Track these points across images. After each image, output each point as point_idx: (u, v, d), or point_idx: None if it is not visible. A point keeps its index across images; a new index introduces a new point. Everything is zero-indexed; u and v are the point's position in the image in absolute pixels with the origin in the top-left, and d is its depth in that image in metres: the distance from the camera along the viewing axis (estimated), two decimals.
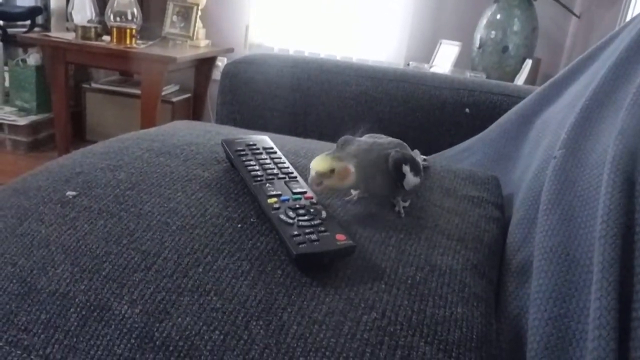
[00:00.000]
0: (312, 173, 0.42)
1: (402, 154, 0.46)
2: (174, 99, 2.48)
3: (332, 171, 0.42)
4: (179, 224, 0.39)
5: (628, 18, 1.57)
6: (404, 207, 0.47)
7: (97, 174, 0.45)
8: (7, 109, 2.36)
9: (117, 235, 0.38)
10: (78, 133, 2.47)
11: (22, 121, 2.28)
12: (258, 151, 0.49)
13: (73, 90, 2.44)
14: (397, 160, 0.45)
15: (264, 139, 0.51)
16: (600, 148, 0.48)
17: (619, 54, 0.57)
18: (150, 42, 2.21)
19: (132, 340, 0.31)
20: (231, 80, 0.92)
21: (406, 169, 0.46)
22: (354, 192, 0.48)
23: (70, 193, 0.42)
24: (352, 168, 0.43)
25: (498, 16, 1.92)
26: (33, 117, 2.33)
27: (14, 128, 2.28)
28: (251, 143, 0.50)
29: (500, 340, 0.41)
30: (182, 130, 0.59)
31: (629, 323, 0.33)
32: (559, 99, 0.69)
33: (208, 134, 0.58)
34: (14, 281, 0.34)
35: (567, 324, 0.38)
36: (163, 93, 2.22)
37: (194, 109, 2.69)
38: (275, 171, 0.46)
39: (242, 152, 0.48)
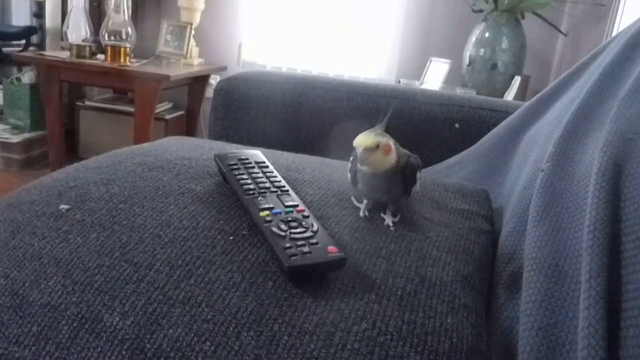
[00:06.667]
0: (359, 150, 0.44)
1: (419, 162, 0.49)
2: (167, 117, 2.49)
3: (377, 146, 0.44)
4: (171, 236, 0.40)
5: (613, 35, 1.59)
6: (393, 222, 0.48)
7: (90, 188, 0.45)
8: (1, 126, 2.35)
9: (110, 247, 0.38)
10: (71, 150, 2.47)
11: (16, 139, 2.28)
12: (250, 165, 0.49)
13: (67, 108, 2.45)
14: (417, 166, 0.49)
15: (257, 154, 0.52)
16: (586, 160, 0.49)
17: (602, 69, 0.59)
18: (144, 61, 2.23)
19: (124, 352, 0.31)
20: (224, 96, 0.93)
21: (419, 175, 0.49)
22: (361, 206, 0.49)
23: (63, 206, 0.42)
24: (392, 145, 0.46)
25: (487, 34, 1.95)
26: (26, 135, 2.32)
27: (7, 145, 2.28)
28: (244, 157, 0.50)
29: (491, 350, 0.41)
30: (175, 145, 0.60)
31: (618, 332, 0.34)
32: (546, 113, 0.70)
33: (201, 149, 0.58)
34: (6, 294, 0.34)
35: (557, 334, 0.38)
36: (156, 110, 2.22)
37: (187, 127, 2.69)
38: (267, 185, 0.46)
39: (234, 166, 0.48)
